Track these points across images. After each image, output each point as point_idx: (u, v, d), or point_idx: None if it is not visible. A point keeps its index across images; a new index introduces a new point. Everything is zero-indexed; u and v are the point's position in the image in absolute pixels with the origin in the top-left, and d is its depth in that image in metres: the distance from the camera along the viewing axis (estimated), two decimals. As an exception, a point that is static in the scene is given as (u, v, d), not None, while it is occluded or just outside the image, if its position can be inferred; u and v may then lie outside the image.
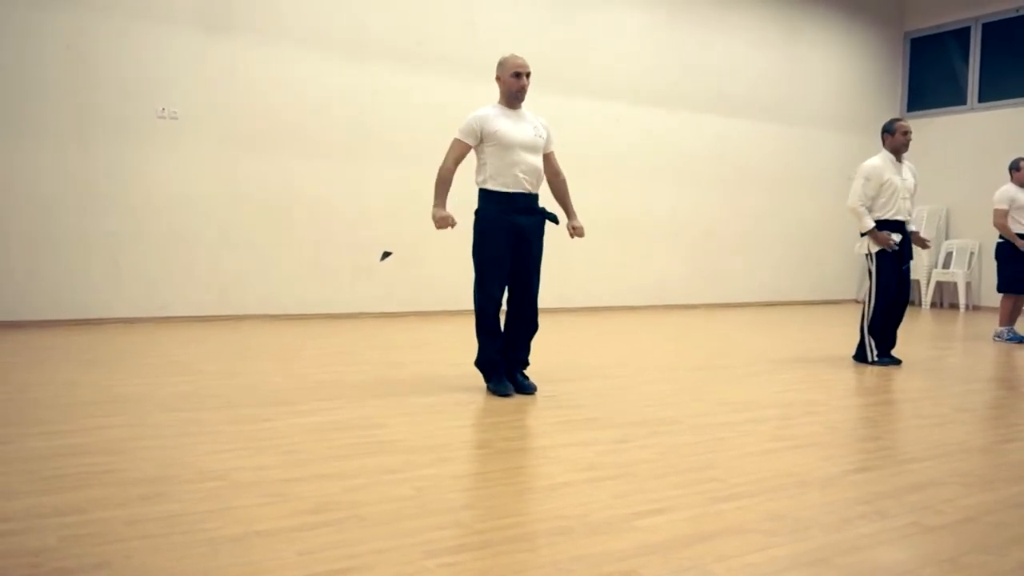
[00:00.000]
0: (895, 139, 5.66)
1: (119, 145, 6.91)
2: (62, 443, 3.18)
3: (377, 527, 2.36)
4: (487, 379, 4.43)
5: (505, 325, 4.46)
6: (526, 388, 4.38)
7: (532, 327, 4.45)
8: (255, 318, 7.47)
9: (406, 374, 4.94)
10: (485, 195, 4.35)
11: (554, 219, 4.48)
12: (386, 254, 7.71)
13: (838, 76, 11.48)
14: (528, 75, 4.36)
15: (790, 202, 11.13)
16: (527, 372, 4.52)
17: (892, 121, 5.76)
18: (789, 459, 3.21)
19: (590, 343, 6.67)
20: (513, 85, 4.33)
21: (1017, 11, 10.74)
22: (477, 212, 4.37)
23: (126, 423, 3.55)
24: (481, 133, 4.27)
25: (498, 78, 4.40)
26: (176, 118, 7.10)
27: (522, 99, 4.40)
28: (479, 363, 4.45)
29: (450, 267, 8.27)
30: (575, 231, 4.54)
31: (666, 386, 4.77)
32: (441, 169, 4.30)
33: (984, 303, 11.02)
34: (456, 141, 4.32)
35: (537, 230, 4.41)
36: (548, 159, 4.52)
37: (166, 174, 7.11)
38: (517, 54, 4.42)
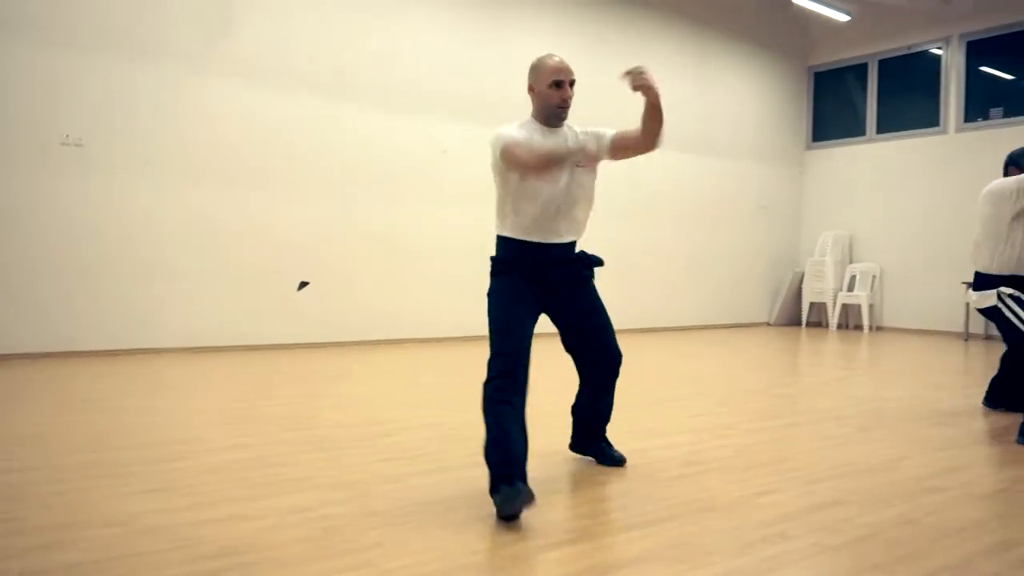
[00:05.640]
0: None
1: (23, 173, 6.66)
2: (-45, 491, 3.05)
3: (285, 570, 2.33)
4: (492, 485, 2.86)
5: (581, 381, 3.56)
6: (615, 460, 3.59)
7: (612, 376, 3.51)
8: (171, 351, 7.27)
9: (324, 407, 4.89)
10: (502, 242, 3.24)
11: (599, 262, 3.41)
12: (303, 284, 7.63)
13: (749, 108, 11.96)
14: (572, 83, 3.19)
15: (706, 230, 11.47)
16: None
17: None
18: (697, 484, 3.31)
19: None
20: (552, 97, 3.16)
21: (909, 49, 11.42)
22: (492, 259, 3.30)
23: (26, 466, 3.41)
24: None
25: (531, 88, 3.23)
26: (81, 145, 6.89)
27: (564, 117, 3.23)
28: (485, 455, 2.94)
29: (377, 294, 8.26)
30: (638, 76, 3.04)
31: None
32: (515, 155, 2.96)
33: (886, 324, 11.55)
34: (505, 147, 3.01)
35: (576, 277, 3.36)
36: (621, 139, 3.31)
37: (76, 203, 6.88)
38: (554, 54, 3.25)
